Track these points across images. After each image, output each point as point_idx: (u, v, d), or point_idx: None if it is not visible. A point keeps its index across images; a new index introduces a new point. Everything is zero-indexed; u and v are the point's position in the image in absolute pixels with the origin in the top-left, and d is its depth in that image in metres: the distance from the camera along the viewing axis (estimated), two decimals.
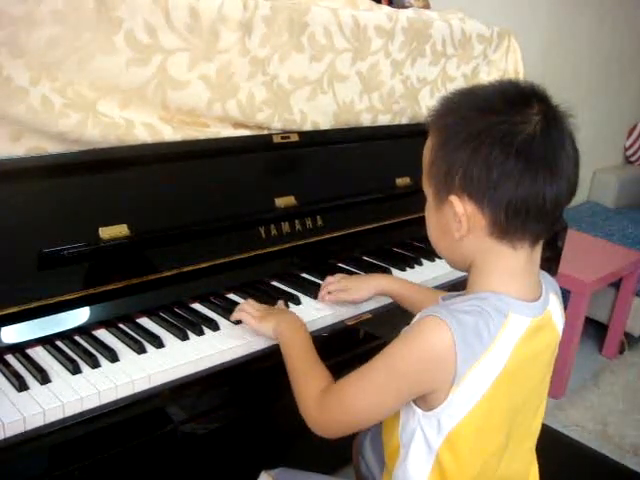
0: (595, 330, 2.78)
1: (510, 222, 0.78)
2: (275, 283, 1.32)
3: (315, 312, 1.21)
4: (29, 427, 0.86)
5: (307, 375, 0.94)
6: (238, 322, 1.13)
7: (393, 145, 1.65)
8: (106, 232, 1.11)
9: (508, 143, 0.75)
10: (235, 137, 1.33)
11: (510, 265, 0.82)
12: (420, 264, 1.49)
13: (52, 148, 1.09)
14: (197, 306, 1.20)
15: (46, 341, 1.03)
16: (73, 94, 1.08)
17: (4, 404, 0.87)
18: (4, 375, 0.94)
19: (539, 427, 0.94)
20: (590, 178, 3.51)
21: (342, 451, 1.30)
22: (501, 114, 0.77)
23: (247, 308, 1.11)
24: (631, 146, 3.75)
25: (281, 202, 1.37)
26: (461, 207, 0.79)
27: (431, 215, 0.87)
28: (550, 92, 0.81)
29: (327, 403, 0.88)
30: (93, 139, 1.11)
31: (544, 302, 0.85)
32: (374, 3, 1.59)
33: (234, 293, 1.24)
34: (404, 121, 1.70)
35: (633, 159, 3.76)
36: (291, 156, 1.45)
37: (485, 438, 0.83)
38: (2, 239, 1.01)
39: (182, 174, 1.24)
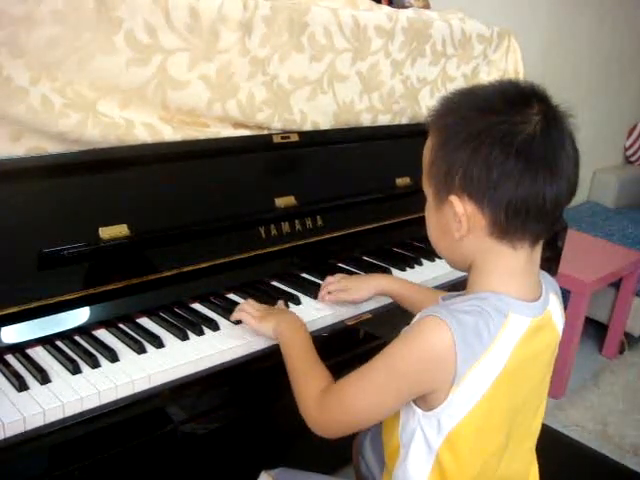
0: (595, 330, 2.78)
1: (510, 222, 0.78)
2: (275, 283, 1.32)
3: (315, 312, 1.21)
4: (29, 427, 0.86)
5: (307, 375, 0.94)
6: (238, 322, 1.13)
7: (393, 145, 1.65)
8: (106, 232, 1.11)
9: (508, 143, 0.75)
10: (235, 137, 1.33)
11: (510, 265, 0.82)
12: (420, 264, 1.49)
13: (52, 148, 1.09)
14: (197, 306, 1.20)
15: (46, 341, 1.03)
16: (73, 94, 1.08)
17: (4, 404, 0.87)
18: (4, 375, 0.94)
19: (539, 427, 0.94)
20: (590, 178, 3.51)
21: (342, 451, 1.30)
22: (501, 114, 0.77)
23: (247, 308, 1.11)
24: (631, 146, 3.75)
25: (281, 202, 1.37)
26: (461, 207, 0.79)
27: (431, 215, 0.87)
28: (550, 92, 0.81)
29: (327, 403, 0.88)
30: (93, 139, 1.11)
31: (544, 302, 0.85)
32: (374, 3, 1.59)
33: (234, 293, 1.24)
34: (404, 121, 1.70)
35: (633, 159, 3.76)
36: (291, 156, 1.45)
37: (485, 438, 0.83)
38: (2, 239, 1.01)
39: (182, 174, 1.24)
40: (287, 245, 1.35)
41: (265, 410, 1.30)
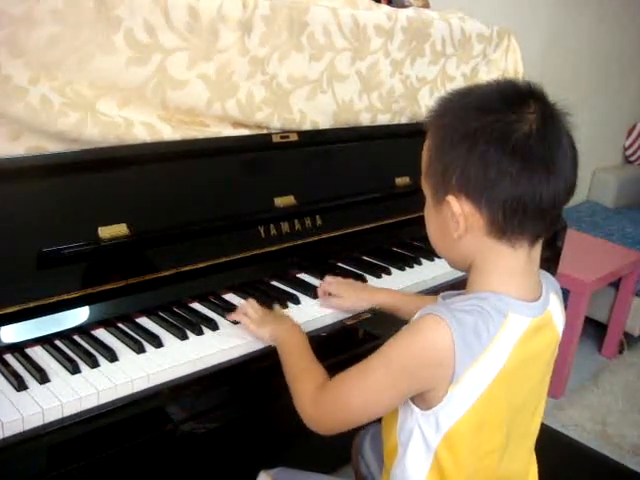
0: (594, 330, 2.78)
1: (508, 221, 0.78)
2: (274, 283, 1.32)
3: (314, 312, 1.21)
4: (28, 427, 0.85)
5: (303, 372, 0.94)
6: (237, 322, 1.13)
7: (392, 144, 1.65)
8: (105, 231, 1.11)
9: (504, 142, 0.75)
10: (234, 136, 1.33)
11: (509, 265, 0.82)
12: (419, 264, 1.49)
13: (51, 147, 1.09)
14: (196, 306, 1.20)
15: (45, 341, 1.03)
16: (72, 93, 1.08)
17: (3, 404, 0.87)
18: (3, 375, 0.94)
19: (538, 427, 0.94)
20: (589, 178, 3.51)
21: (341, 451, 1.30)
22: (497, 113, 0.77)
23: (248, 311, 1.11)
24: (630, 146, 3.75)
25: (280, 202, 1.37)
26: (458, 207, 0.79)
27: (430, 215, 0.87)
28: (550, 92, 0.81)
29: (323, 399, 0.88)
30: (92, 138, 1.11)
31: (544, 302, 0.85)
32: (373, 2, 1.59)
33: (233, 293, 1.24)
34: (403, 120, 1.70)
35: (632, 159, 3.76)
36: (290, 156, 1.45)
37: (484, 437, 0.83)
38: (1, 238, 1.01)
39: (181, 173, 1.24)
40: (286, 245, 1.35)
41: (264, 410, 1.30)
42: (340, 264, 1.43)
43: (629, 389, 2.47)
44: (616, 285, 2.61)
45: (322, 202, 1.43)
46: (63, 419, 0.88)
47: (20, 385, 0.91)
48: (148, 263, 1.15)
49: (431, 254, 1.49)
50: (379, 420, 0.92)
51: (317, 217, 1.41)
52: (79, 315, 1.07)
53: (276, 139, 1.39)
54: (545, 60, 2.87)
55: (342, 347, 1.23)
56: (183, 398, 1.02)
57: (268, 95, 1.35)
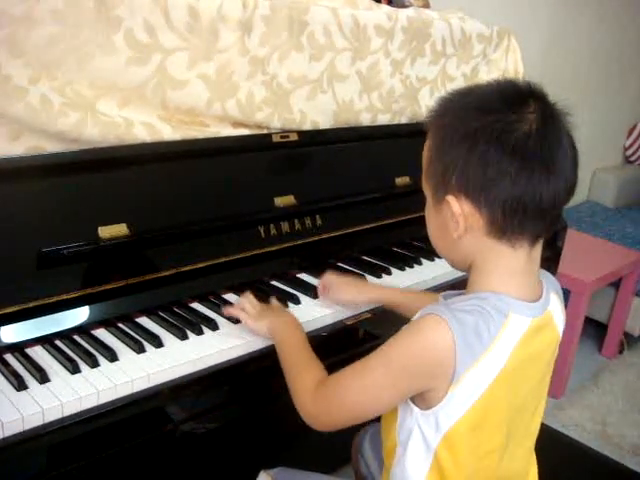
0: (595, 330, 2.78)
1: (508, 221, 0.78)
2: (274, 283, 1.32)
3: (315, 312, 1.21)
4: (28, 427, 0.85)
5: (302, 369, 0.94)
6: (237, 321, 1.13)
7: (393, 144, 1.65)
8: (105, 231, 1.11)
9: (504, 142, 0.75)
10: (234, 136, 1.33)
11: (510, 265, 0.82)
12: (420, 264, 1.49)
13: (51, 147, 1.09)
14: (196, 305, 1.20)
15: (45, 340, 1.03)
16: (72, 93, 1.08)
17: (3, 403, 0.87)
18: (3, 374, 0.94)
19: (538, 427, 0.94)
20: (590, 178, 3.51)
21: (341, 450, 1.30)
22: (497, 113, 0.77)
23: (245, 306, 1.11)
24: (631, 146, 3.75)
25: (280, 201, 1.37)
26: (458, 207, 0.79)
27: (430, 215, 0.87)
28: (550, 92, 0.81)
29: (322, 395, 0.88)
30: (92, 138, 1.11)
31: (545, 302, 0.85)
32: (374, 2, 1.59)
33: (233, 293, 1.24)
34: (404, 120, 1.70)
35: (633, 159, 3.76)
36: (291, 155, 1.45)
37: (484, 437, 0.83)
38: (1, 238, 1.01)
39: (181, 173, 1.24)
40: (286, 244, 1.35)
41: (264, 409, 1.30)
42: (340, 264, 1.43)
43: (629, 389, 2.47)
44: (616, 285, 2.61)
45: (322, 202, 1.43)
46: (63, 419, 0.88)
47: (20, 385, 0.91)
48: (148, 263, 1.15)
49: (431, 254, 1.49)
50: (379, 419, 0.92)
51: (317, 217, 1.41)
52: (79, 315, 1.07)
53: (276, 139, 1.39)
54: (545, 60, 2.87)
55: (342, 347, 1.23)
56: (183, 398, 1.02)
57: (268, 95, 1.35)
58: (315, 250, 1.40)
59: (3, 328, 0.99)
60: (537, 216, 0.78)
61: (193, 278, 1.20)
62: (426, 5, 1.87)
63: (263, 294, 1.21)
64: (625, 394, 2.43)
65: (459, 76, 1.80)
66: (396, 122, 1.68)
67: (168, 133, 1.22)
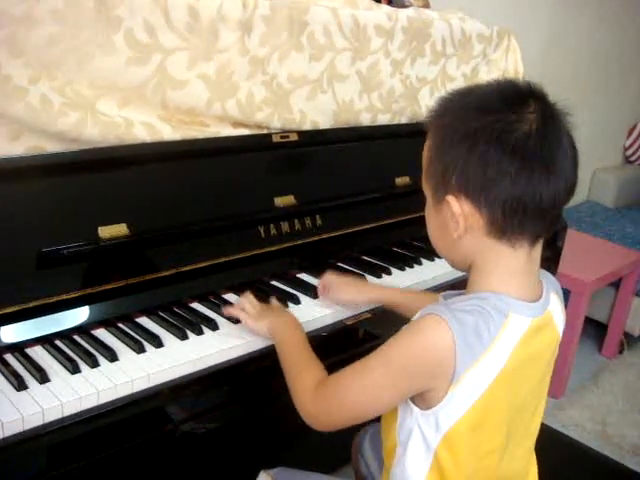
0: (595, 330, 2.78)
1: (507, 221, 0.78)
2: (274, 283, 1.32)
3: (315, 312, 1.21)
4: (28, 427, 0.85)
5: (302, 369, 0.94)
6: (236, 321, 1.13)
7: (393, 144, 1.65)
8: (105, 231, 1.11)
9: (503, 142, 0.75)
10: (234, 136, 1.33)
11: (509, 265, 0.82)
12: (420, 264, 1.49)
13: (51, 147, 1.09)
14: (196, 305, 1.20)
15: (45, 340, 1.03)
16: (72, 93, 1.08)
17: (3, 403, 0.87)
18: (3, 374, 0.94)
19: (538, 427, 0.94)
20: (590, 178, 3.51)
21: (341, 450, 1.30)
22: (497, 113, 0.77)
23: (245, 306, 1.11)
24: (631, 146, 3.75)
25: (280, 201, 1.37)
26: (458, 207, 0.79)
27: (430, 215, 0.87)
28: (550, 92, 0.81)
29: (322, 395, 0.88)
30: (92, 138, 1.11)
31: (545, 302, 0.85)
32: (374, 2, 1.59)
33: (233, 293, 1.24)
34: (404, 120, 1.70)
35: (633, 159, 3.76)
36: (291, 155, 1.45)
37: (484, 437, 0.83)
38: (1, 238, 1.01)
39: (181, 173, 1.24)
40: (286, 245, 1.35)
41: (264, 410, 1.30)
42: (340, 264, 1.43)
43: (629, 389, 2.47)
44: (616, 285, 2.61)
45: (322, 202, 1.43)
46: (63, 419, 0.88)
47: (20, 385, 0.90)
48: (148, 263, 1.15)
49: (431, 254, 1.49)
50: (379, 419, 0.92)
51: (317, 217, 1.41)
52: (79, 315, 1.07)
53: (276, 139, 1.39)
54: (545, 60, 2.87)
55: (342, 347, 1.23)
56: (183, 398, 1.02)
57: (268, 95, 1.35)
58: (315, 250, 1.40)
59: (3, 328, 0.99)
60: (537, 216, 0.78)
61: (193, 278, 1.20)
62: (426, 5, 1.87)
63: (263, 294, 1.21)
64: (625, 394, 2.43)
65: (459, 76, 1.80)
66: (396, 122, 1.68)
67: (168, 133, 1.22)
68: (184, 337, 1.07)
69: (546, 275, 0.90)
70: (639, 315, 2.68)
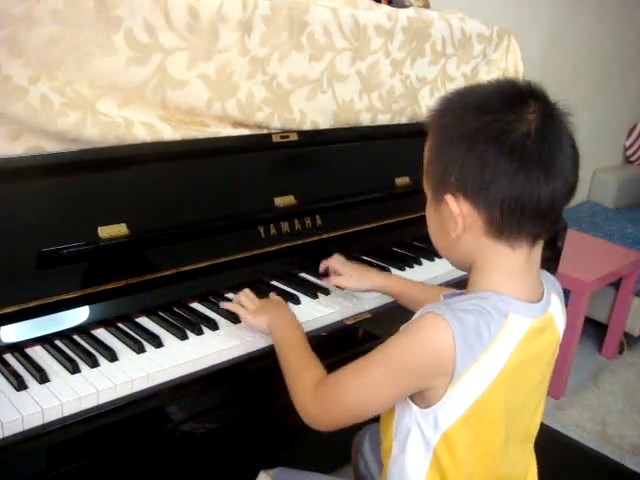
0: (594, 330, 2.78)
1: (506, 221, 0.78)
2: (274, 283, 1.32)
3: (315, 312, 1.21)
4: (27, 426, 0.85)
5: (302, 369, 0.94)
6: (237, 321, 1.13)
7: (393, 145, 1.65)
8: (105, 231, 1.11)
9: (502, 142, 0.75)
10: (234, 136, 1.33)
11: (509, 265, 0.81)
12: (420, 264, 1.49)
13: (51, 147, 1.09)
14: (196, 305, 1.20)
15: (45, 340, 1.03)
16: (72, 93, 1.08)
17: (2, 403, 0.87)
18: (3, 374, 0.94)
19: (538, 427, 0.94)
20: (590, 178, 3.51)
21: (341, 450, 1.30)
22: (496, 113, 0.77)
23: (244, 301, 1.11)
24: (631, 146, 3.75)
25: (280, 201, 1.37)
26: (456, 207, 0.79)
27: (431, 214, 0.87)
28: (550, 92, 0.81)
29: (323, 395, 0.88)
30: (92, 138, 1.11)
31: (545, 303, 0.85)
32: (374, 2, 1.58)
33: (233, 293, 1.24)
34: (404, 120, 1.70)
35: (633, 159, 3.76)
36: (291, 155, 1.45)
37: (483, 437, 0.83)
38: (1, 238, 1.01)
39: (181, 173, 1.24)
40: (286, 244, 1.35)
41: (264, 410, 1.30)
42: None
43: (629, 389, 2.47)
44: (616, 285, 2.61)
45: (322, 202, 1.43)
46: (63, 419, 0.88)
47: (20, 385, 0.91)
48: (148, 263, 1.15)
49: (431, 254, 1.49)
50: (379, 419, 0.92)
51: (317, 217, 1.41)
52: (79, 315, 1.07)
53: (276, 139, 1.39)
54: (545, 60, 2.87)
55: (342, 347, 1.23)
56: (183, 398, 1.02)
57: (268, 95, 1.35)
58: (315, 250, 1.40)
59: (3, 328, 0.99)
60: (535, 216, 0.78)
61: (193, 278, 1.20)
62: (426, 5, 1.87)
63: (263, 294, 1.21)
64: (625, 394, 2.43)
65: (459, 76, 1.80)
66: (396, 122, 1.68)
67: (168, 133, 1.22)
68: (184, 337, 1.07)
69: (546, 276, 0.90)
70: (639, 315, 2.68)
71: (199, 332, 1.09)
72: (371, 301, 1.27)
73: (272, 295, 1.18)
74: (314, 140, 1.47)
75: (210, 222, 1.24)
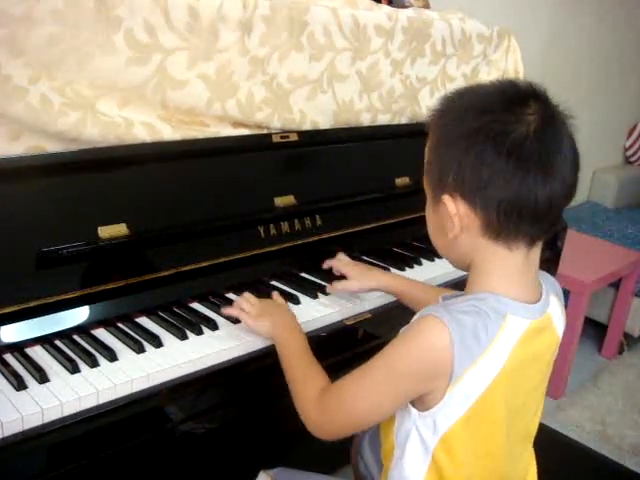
0: (594, 330, 2.78)
1: (503, 222, 0.78)
2: (274, 283, 1.32)
3: (315, 312, 1.21)
4: (27, 426, 0.85)
5: (305, 377, 0.94)
6: (236, 321, 1.13)
7: (393, 145, 1.65)
8: (105, 231, 1.11)
9: (500, 142, 0.75)
10: (234, 136, 1.33)
11: (506, 266, 0.81)
12: (419, 264, 1.49)
13: (51, 147, 1.09)
14: (196, 305, 1.20)
15: (45, 340, 1.03)
16: (72, 93, 1.08)
17: (2, 403, 0.87)
18: (2, 374, 0.94)
19: (537, 427, 0.94)
20: (590, 178, 3.51)
21: (341, 451, 1.29)
22: (496, 114, 0.77)
23: (244, 305, 1.11)
24: (631, 146, 3.75)
25: (280, 201, 1.37)
26: (453, 207, 0.79)
27: (430, 214, 0.87)
28: (550, 92, 0.81)
29: (327, 404, 0.88)
30: (92, 138, 1.11)
31: (544, 304, 0.85)
32: (374, 2, 1.58)
33: (233, 293, 1.24)
34: (404, 121, 1.70)
35: (633, 159, 3.76)
36: (291, 155, 1.45)
37: (482, 438, 0.83)
38: (1, 238, 1.01)
39: (181, 173, 1.24)
40: (286, 245, 1.35)
41: (264, 410, 1.30)
42: None
43: (629, 389, 2.47)
44: (616, 285, 2.61)
45: (322, 202, 1.43)
46: (63, 419, 0.88)
47: (20, 385, 0.90)
48: (148, 263, 1.15)
49: (431, 254, 1.49)
50: None
51: (317, 217, 1.41)
52: (79, 315, 1.07)
53: (276, 139, 1.39)
54: (545, 60, 2.87)
55: (342, 347, 1.23)
56: (183, 398, 1.02)
57: (268, 95, 1.35)
58: (315, 250, 1.40)
59: (3, 328, 0.99)
60: (533, 218, 0.78)
61: (193, 278, 1.20)
62: (426, 5, 1.87)
63: (263, 294, 1.21)
64: (625, 394, 2.43)
65: (459, 76, 1.80)
66: (396, 122, 1.68)
67: (168, 133, 1.22)
68: (184, 337, 1.07)
69: (546, 277, 0.90)
70: (639, 315, 2.68)
71: (199, 332, 1.09)
72: (371, 301, 1.27)
73: (275, 295, 1.18)
74: (314, 140, 1.47)
75: (210, 222, 1.24)
